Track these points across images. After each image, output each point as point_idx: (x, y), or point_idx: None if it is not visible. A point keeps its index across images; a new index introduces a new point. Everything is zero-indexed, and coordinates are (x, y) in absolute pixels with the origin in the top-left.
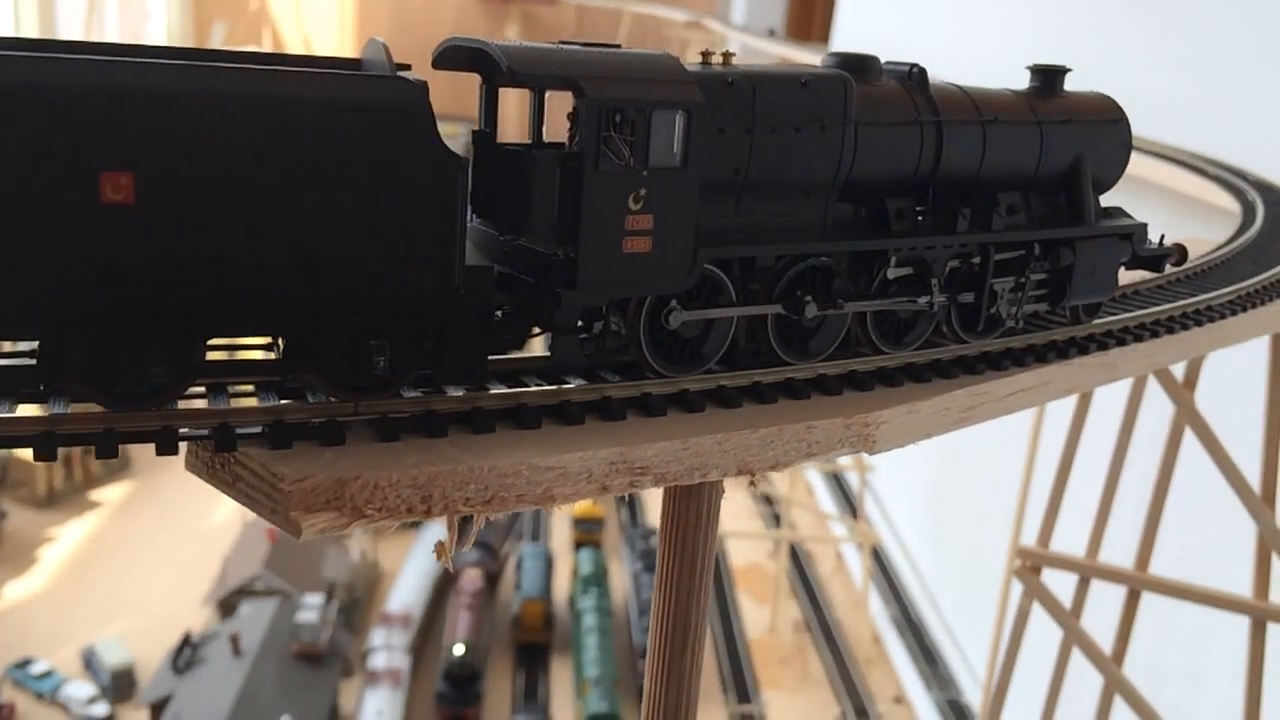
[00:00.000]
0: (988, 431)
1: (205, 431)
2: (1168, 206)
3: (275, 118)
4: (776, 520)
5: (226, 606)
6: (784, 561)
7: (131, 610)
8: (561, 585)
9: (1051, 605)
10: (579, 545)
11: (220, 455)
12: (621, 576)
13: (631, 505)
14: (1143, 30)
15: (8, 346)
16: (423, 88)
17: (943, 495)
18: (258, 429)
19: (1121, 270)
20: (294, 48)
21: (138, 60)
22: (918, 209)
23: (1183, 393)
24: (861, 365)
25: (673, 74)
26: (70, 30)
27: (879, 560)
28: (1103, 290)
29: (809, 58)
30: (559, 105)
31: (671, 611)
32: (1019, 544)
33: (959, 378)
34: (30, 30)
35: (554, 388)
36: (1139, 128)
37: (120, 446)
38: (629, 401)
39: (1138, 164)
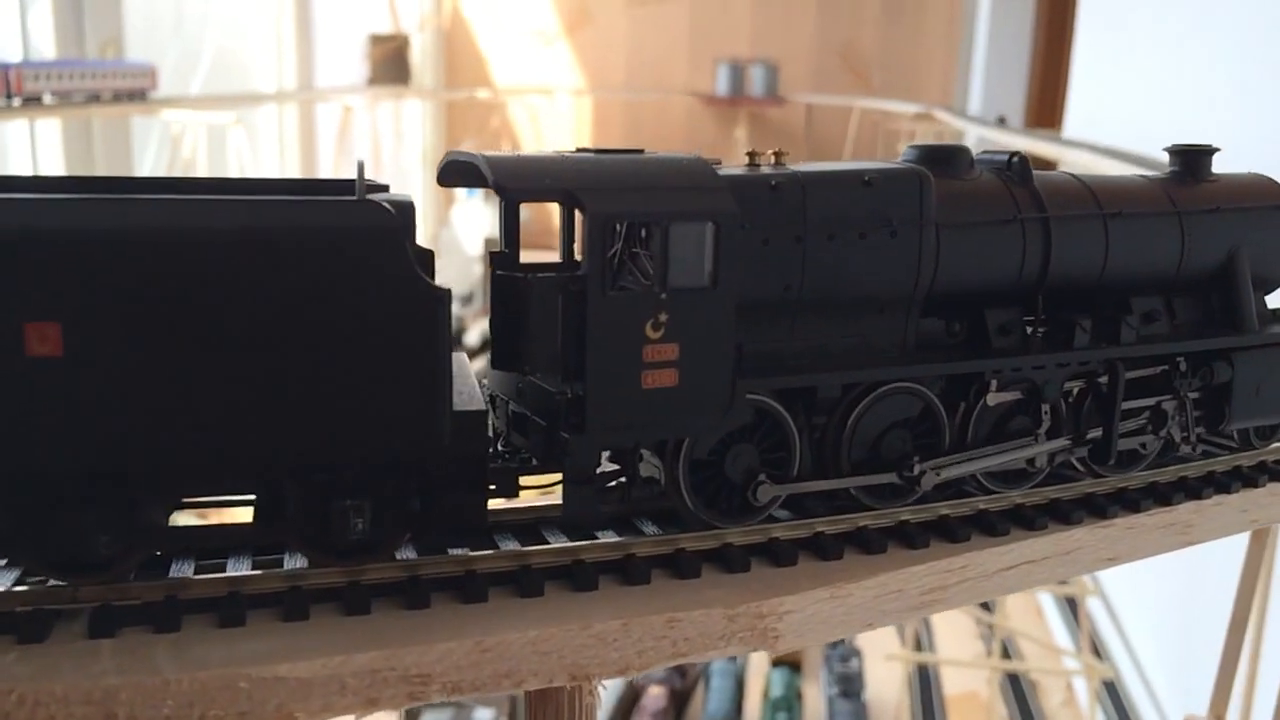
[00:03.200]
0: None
1: None
2: None
3: (221, 252)
4: (1000, 644)
5: (412, 715)
6: (1001, 692)
7: None
8: (753, 707)
9: None
10: (776, 663)
11: None
12: (817, 701)
13: None
14: None
15: None
16: (400, 211)
17: (1189, 619)
18: None
19: None
20: None
21: (59, 198)
22: (1028, 321)
23: None
24: (785, 532)
25: (698, 180)
26: (326, 153)
27: (1114, 695)
28: (1272, 410)
29: (1041, 146)
30: None
31: None
32: (1189, 714)
33: (929, 547)
34: (292, 155)
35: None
36: None
37: None
38: (442, 582)
39: None
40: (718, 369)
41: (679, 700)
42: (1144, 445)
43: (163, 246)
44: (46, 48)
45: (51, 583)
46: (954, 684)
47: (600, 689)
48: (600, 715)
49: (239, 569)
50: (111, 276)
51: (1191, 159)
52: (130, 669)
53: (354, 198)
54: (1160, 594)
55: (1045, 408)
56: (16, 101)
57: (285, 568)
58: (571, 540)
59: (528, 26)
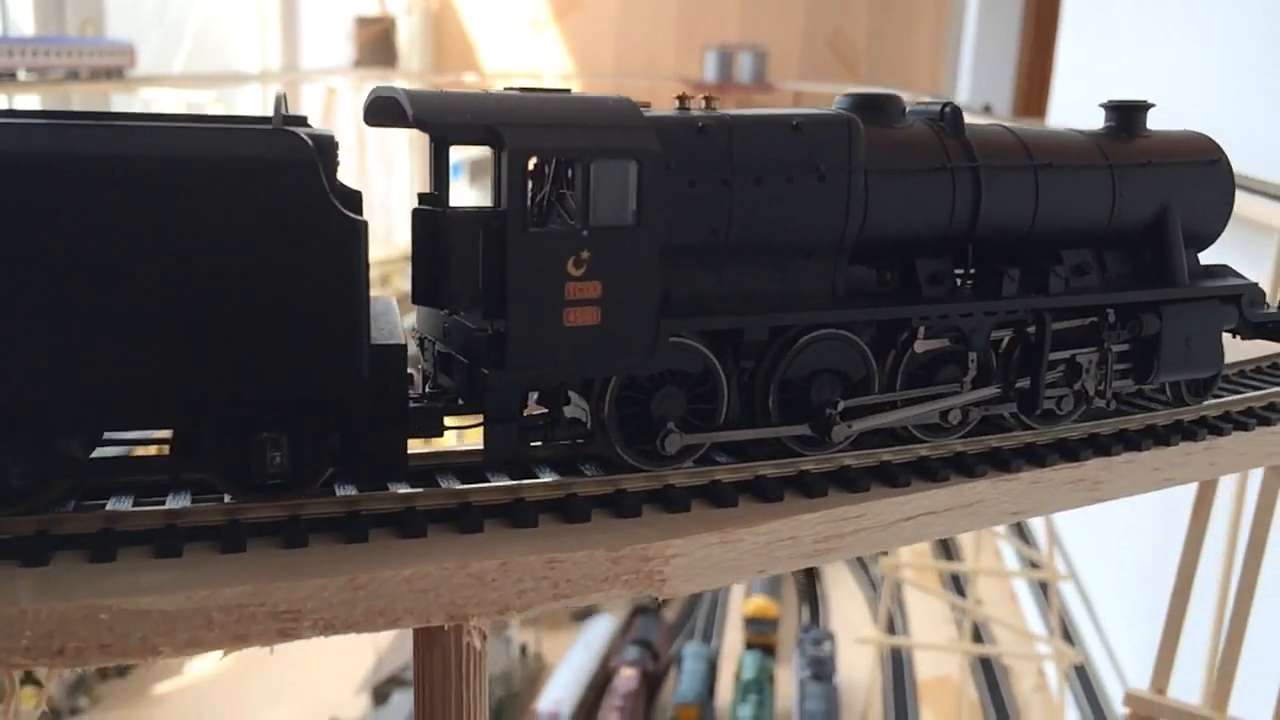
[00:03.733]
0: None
1: None
2: None
3: (134, 178)
4: (973, 628)
5: (380, 695)
6: (973, 676)
7: (297, 694)
8: (726, 689)
9: None
10: (749, 646)
11: None
12: (789, 683)
13: (814, 603)
14: None
15: None
16: (319, 143)
17: (1160, 604)
18: None
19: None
20: None
21: None
22: (959, 272)
23: None
24: (682, 479)
25: (622, 119)
26: None
27: (1084, 679)
28: (1202, 364)
29: None
30: None
31: None
32: (1130, 688)
33: (826, 496)
34: None
35: (156, 509)
36: None
37: None
38: (323, 523)
39: None
40: (641, 308)
41: (651, 682)
42: (1059, 404)
43: (72, 172)
44: (26, 25)
45: None
46: (927, 668)
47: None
48: (572, 695)
49: (119, 506)
50: (20, 202)
51: (1126, 114)
52: None
53: (269, 128)
54: (1133, 579)
55: (972, 356)
56: None
57: (165, 506)
58: (462, 484)
59: (517, 11)
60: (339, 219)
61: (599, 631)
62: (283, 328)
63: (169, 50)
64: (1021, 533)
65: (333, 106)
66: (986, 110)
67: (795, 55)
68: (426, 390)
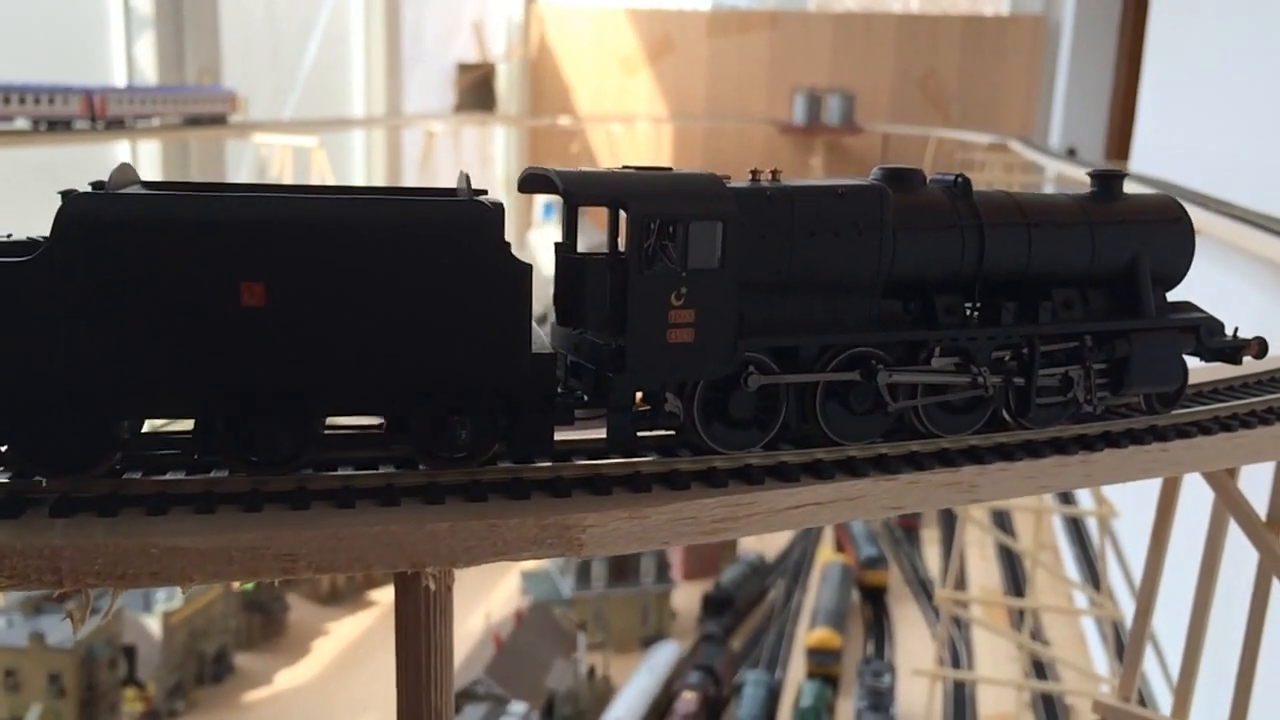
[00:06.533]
0: None
1: None
2: None
3: (374, 235)
4: (1039, 669)
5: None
6: (1035, 714)
7: (376, 706)
8: (785, 717)
9: None
10: (810, 675)
11: None
12: (848, 714)
13: (879, 636)
14: None
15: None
16: (495, 209)
17: (1226, 655)
18: None
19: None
20: None
21: (264, 195)
22: (968, 305)
23: (1264, 534)
24: (609, 469)
25: (711, 190)
26: (410, 176)
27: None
28: (1165, 380)
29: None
30: None
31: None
32: (1098, 696)
33: (727, 486)
34: (378, 177)
35: (200, 477)
36: None
37: None
38: (322, 494)
39: None
40: (724, 329)
41: (712, 706)
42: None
43: (334, 230)
44: (150, 74)
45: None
46: (989, 704)
47: (438, 579)
48: (633, 714)
49: (174, 476)
50: (301, 250)
51: (1107, 181)
52: (73, 536)
53: (463, 199)
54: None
55: (980, 368)
56: (100, 125)
57: (207, 475)
58: (433, 468)
59: (610, 55)
60: (512, 263)
61: (664, 656)
62: (471, 339)
63: (281, 96)
64: (1094, 578)
65: (431, 149)
66: (1071, 154)
67: (885, 97)
68: (560, 391)
